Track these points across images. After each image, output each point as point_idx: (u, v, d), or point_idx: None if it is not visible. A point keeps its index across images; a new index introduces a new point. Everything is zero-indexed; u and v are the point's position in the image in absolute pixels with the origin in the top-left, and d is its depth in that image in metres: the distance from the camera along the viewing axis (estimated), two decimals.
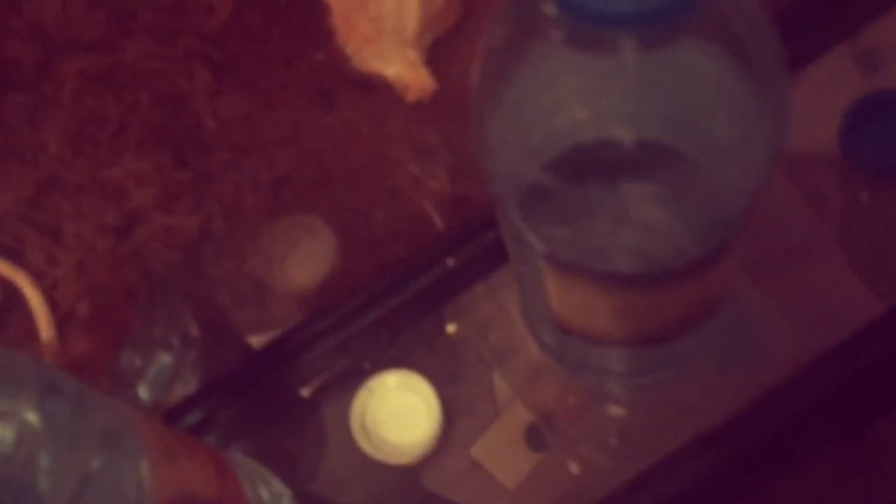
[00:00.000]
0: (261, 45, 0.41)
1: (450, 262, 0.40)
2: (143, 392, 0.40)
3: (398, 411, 0.39)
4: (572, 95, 0.24)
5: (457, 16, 0.40)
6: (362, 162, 0.39)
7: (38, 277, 0.38)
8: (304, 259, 0.41)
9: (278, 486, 0.37)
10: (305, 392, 0.40)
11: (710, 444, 0.37)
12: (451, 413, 0.38)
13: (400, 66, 0.40)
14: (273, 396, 0.40)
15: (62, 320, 0.38)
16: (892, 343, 0.37)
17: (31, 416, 0.23)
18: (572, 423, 0.39)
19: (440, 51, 0.40)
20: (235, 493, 0.32)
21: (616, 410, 0.40)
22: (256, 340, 0.40)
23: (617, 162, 0.24)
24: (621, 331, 0.31)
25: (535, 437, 0.39)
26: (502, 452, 0.39)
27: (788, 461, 0.37)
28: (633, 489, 0.37)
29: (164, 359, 0.40)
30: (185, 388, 0.40)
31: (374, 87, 0.40)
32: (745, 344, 0.38)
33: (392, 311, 0.40)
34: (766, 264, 0.39)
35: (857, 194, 0.39)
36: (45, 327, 0.37)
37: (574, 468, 0.38)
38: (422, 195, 0.39)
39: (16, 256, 0.38)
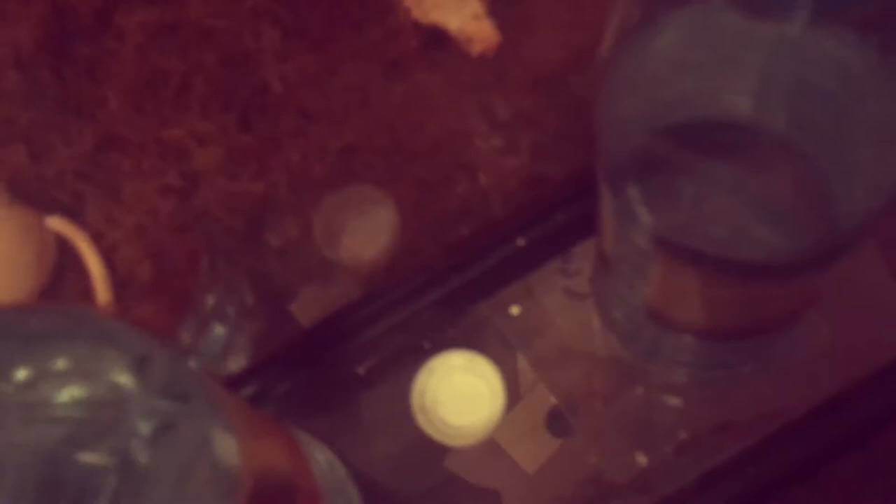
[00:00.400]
0: (331, 8, 0.40)
1: (520, 241, 0.39)
2: (195, 363, 0.39)
3: (460, 393, 0.38)
4: (711, 65, 0.22)
5: None
6: (435, 133, 0.38)
7: (96, 238, 0.36)
8: (368, 232, 0.40)
9: (333, 460, 0.36)
10: (362, 370, 0.39)
11: (746, 458, 0.36)
12: None
13: (463, 17, 0.38)
14: (329, 372, 0.39)
15: (120, 284, 0.36)
16: None
17: (126, 380, 0.22)
18: (596, 411, 0.38)
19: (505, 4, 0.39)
20: (304, 468, 0.31)
21: (672, 400, 0.39)
22: (314, 314, 0.39)
23: (743, 144, 0.23)
24: (714, 323, 0.30)
25: (557, 422, 0.38)
26: (523, 436, 0.38)
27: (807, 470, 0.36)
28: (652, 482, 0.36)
29: (219, 330, 0.39)
30: (239, 360, 0.39)
31: (442, 46, 0.38)
32: (793, 353, 0.37)
33: (456, 290, 0.39)
34: None
35: None
36: (102, 290, 0.36)
37: (594, 456, 0.37)
38: (496, 171, 0.37)
39: (74, 215, 0.37)
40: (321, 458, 0.35)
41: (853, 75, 0.21)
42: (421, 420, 0.37)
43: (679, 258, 0.26)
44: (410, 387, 0.38)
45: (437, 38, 0.39)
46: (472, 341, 0.39)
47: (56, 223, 0.36)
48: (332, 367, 0.39)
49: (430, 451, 0.38)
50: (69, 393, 0.22)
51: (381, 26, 0.39)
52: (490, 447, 0.38)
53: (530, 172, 0.37)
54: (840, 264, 0.26)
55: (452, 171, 0.37)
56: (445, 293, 0.39)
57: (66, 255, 0.37)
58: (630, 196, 0.25)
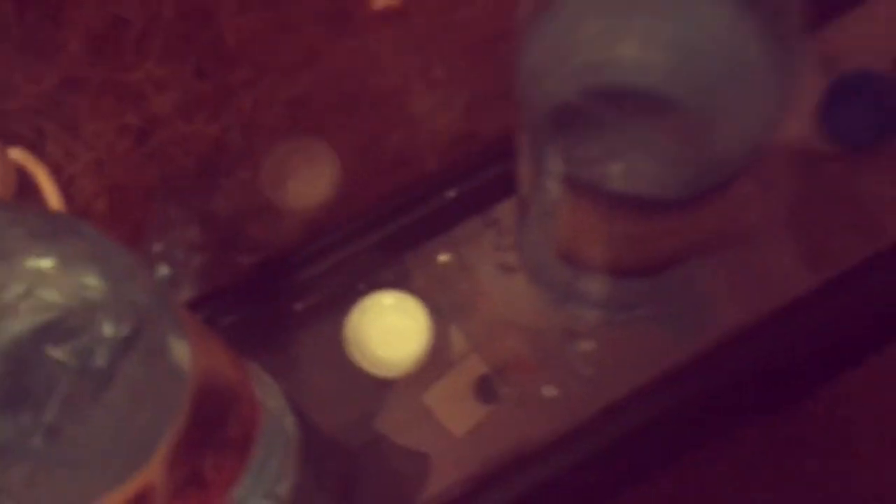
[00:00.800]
0: None
1: (450, 193, 0.43)
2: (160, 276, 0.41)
3: (390, 329, 0.41)
4: (604, 31, 0.26)
5: None
6: (377, 89, 0.41)
7: (55, 171, 0.39)
8: (311, 179, 0.43)
9: (273, 385, 0.39)
10: (300, 307, 0.42)
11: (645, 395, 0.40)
12: None
13: None
14: (269, 309, 0.42)
15: (77, 215, 0.39)
16: (823, 318, 0.41)
17: (98, 286, 0.25)
18: (523, 380, 0.42)
19: None
20: (247, 384, 0.34)
21: (585, 345, 0.43)
22: (258, 253, 0.42)
23: (641, 96, 0.27)
24: (616, 260, 0.34)
25: (486, 389, 0.42)
26: (453, 401, 0.41)
27: (716, 428, 0.40)
28: (572, 443, 0.40)
29: (163, 270, 0.42)
30: (184, 294, 0.41)
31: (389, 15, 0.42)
32: (689, 295, 0.42)
33: (389, 236, 0.42)
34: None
35: (824, 168, 0.43)
36: None
37: (519, 423, 0.40)
38: (432, 127, 0.41)
39: (35, 150, 0.39)
40: (263, 382, 0.38)
41: (723, 35, 0.25)
42: (354, 354, 0.41)
43: (584, 196, 0.30)
44: (344, 323, 0.41)
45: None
46: (403, 283, 0.42)
47: (17, 154, 0.39)
48: (272, 304, 0.42)
49: (362, 385, 0.41)
50: (45, 292, 0.25)
51: None
52: (421, 411, 0.41)
53: (463, 128, 0.41)
54: (719, 202, 0.31)
55: (391, 125, 0.41)
56: (379, 238, 0.42)
57: (25, 188, 0.39)
58: (543, 143, 0.29)
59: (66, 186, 0.39)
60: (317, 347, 0.42)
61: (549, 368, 0.41)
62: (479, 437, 0.40)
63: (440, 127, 0.41)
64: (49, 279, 0.25)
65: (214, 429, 0.29)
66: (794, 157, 0.43)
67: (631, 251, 0.33)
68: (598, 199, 0.29)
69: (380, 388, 0.41)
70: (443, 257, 0.43)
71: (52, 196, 0.38)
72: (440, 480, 0.39)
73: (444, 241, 0.43)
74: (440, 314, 0.41)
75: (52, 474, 0.24)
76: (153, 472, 0.26)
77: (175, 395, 0.27)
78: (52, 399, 0.24)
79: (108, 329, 0.25)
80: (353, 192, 0.42)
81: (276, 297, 0.42)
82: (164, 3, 0.42)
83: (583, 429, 0.39)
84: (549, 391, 0.41)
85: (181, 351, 0.28)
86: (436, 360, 0.41)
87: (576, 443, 0.40)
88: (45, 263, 0.25)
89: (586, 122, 0.28)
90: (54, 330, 0.25)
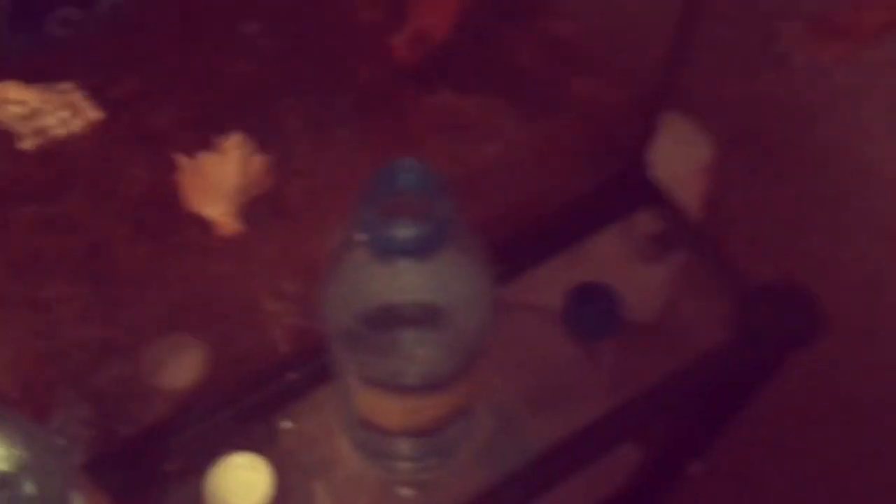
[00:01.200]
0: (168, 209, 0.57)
1: (290, 375, 0.56)
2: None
3: (241, 483, 0.53)
4: (373, 279, 0.41)
5: (268, 186, 0.58)
6: (237, 301, 0.55)
7: None
8: (182, 368, 0.56)
9: None
10: (170, 468, 0.54)
11: None
12: None
13: (215, 212, 0.57)
14: (145, 470, 0.54)
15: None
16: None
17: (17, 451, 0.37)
18: None
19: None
20: None
21: (406, 492, 0.56)
22: (136, 427, 0.54)
23: (401, 318, 0.42)
24: (404, 425, 0.48)
25: None
26: None
27: None
28: None
29: (61, 440, 0.53)
30: (77, 459, 0.53)
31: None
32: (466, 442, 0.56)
33: (242, 411, 0.55)
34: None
35: (573, 351, 0.59)
36: None
37: None
38: (278, 327, 0.55)
39: None
40: None
41: (446, 277, 0.41)
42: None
43: (372, 383, 0.44)
44: (205, 481, 0.53)
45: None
46: (254, 447, 0.55)
47: None
48: (147, 466, 0.54)
49: None
50: None
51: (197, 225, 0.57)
52: None
53: (301, 327, 0.55)
54: (465, 379, 0.46)
55: (247, 327, 0.55)
56: (234, 411, 0.55)
57: None
58: (341, 348, 0.44)
59: None
60: (184, 500, 0.53)
61: None
62: None
63: (285, 325, 0.55)
64: None
65: None
66: (538, 350, 0.59)
67: (415, 418, 0.47)
68: (382, 387, 0.44)
69: None
70: (286, 424, 0.56)
71: None
72: None
73: (287, 414, 0.56)
74: (305, 471, 0.53)
75: None
76: None
77: None
78: None
79: (28, 487, 0.37)
80: (216, 376, 0.55)
81: (150, 460, 0.54)
82: (76, 237, 0.55)
83: None
84: None
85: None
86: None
87: None
88: None
89: (365, 342, 0.43)
90: None
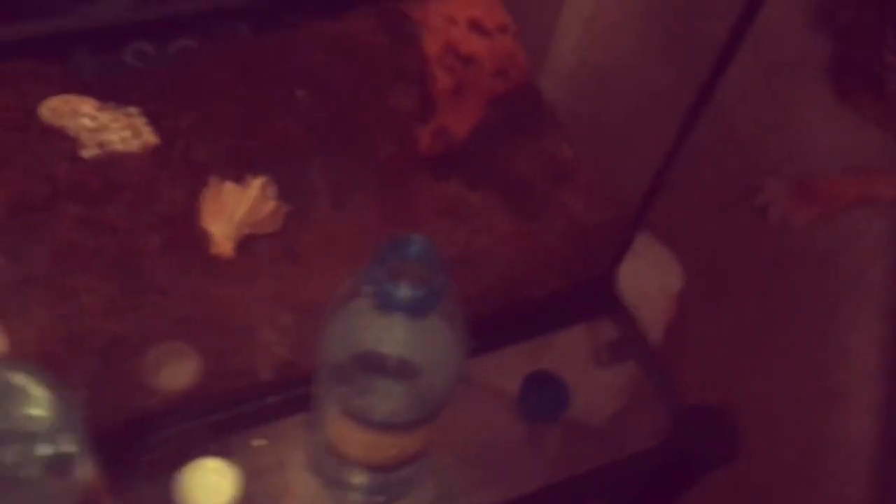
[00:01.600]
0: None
1: (270, 399, 0.63)
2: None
3: (209, 485, 0.60)
4: (370, 327, 0.49)
5: (275, 229, 0.67)
6: (236, 323, 0.63)
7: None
8: (175, 373, 0.63)
9: None
10: (147, 459, 0.60)
11: None
12: None
13: (218, 231, 0.65)
14: (128, 458, 0.60)
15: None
16: None
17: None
18: None
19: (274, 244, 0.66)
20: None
21: None
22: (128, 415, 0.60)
23: (384, 365, 0.50)
24: (369, 458, 0.56)
25: None
26: None
27: None
28: None
29: None
30: None
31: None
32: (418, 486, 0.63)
33: (221, 422, 0.62)
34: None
35: (528, 433, 0.67)
36: None
37: None
38: (266, 355, 0.63)
39: None
40: None
41: (430, 337, 0.49)
42: (183, 499, 0.59)
43: (346, 416, 0.52)
44: (177, 478, 0.59)
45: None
46: (226, 454, 0.61)
47: None
48: (131, 455, 0.60)
49: None
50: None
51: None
52: None
53: (288, 358, 0.62)
54: (426, 427, 0.53)
55: (241, 348, 0.62)
56: (214, 420, 0.62)
57: None
58: (327, 379, 0.51)
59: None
60: (157, 493, 0.59)
61: None
62: None
63: (274, 356, 0.63)
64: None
65: None
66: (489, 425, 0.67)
67: (379, 453, 0.55)
68: (356, 420, 0.51)
69: None
70: (256, 441, 0.63)
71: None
72: None
73: (261, 433, 0.63)
74: (257, 486, 0.59)
75: None
76: None
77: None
78: None
79: (44, 448, 0.44)
80: (204, 386, 0.62)
81: (129, 451, 0.60)
82: (112, 240, 0.63)
83: None
84: None
85: (85, 468, 0.46)
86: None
87: None
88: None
89: (350, 377, 0.51)
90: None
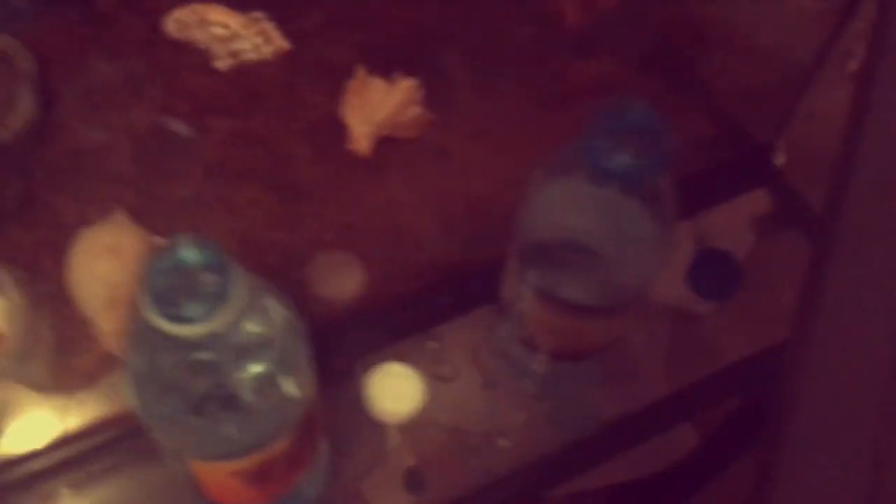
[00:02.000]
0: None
1: (441, 300, 0.62)
2: None
3: (397, 390, 0.59)
4: (573, 206, 0.47)
5: (416, 133, 0.63)
6: (399, 226, 0.61)
7: None
8: (346, 279, 0.61)
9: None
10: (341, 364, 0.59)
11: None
12: (341, 449, 0.54)
13: (357, 127, 0.62)
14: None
15: None
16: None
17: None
18: (448, 474, 0.55)
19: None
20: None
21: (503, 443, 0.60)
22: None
23: (586, 245, 0.48)
24: (559, 344, 0.54)
25: (414, 479, 0.55)
26: (384, 490, 0.52)
27: None
28: None
29: None
30: None
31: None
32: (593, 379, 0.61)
33: (395, 326, 0.61)
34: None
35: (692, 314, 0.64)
36: None
37: None
38: (433, 255, 0.61)
39: None
40: None
41: (631, 217, 0.46)
42: (372, 404, 0.58)
43: (544, 300, 0.50)
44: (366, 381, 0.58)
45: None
46: (403, 357, 0.59)
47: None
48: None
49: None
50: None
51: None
52: (356, 497, 0.52)
53: (460, 259, 0.60)
54: (624, 314, 0.51)
55: (409, 250, 0.60)
56: (388, 325, 0.60)
57: None
58: (525, 266, 0.49)
59: None
60: (343, 401, 0.58)
61: (472, 463, 0.56)
62: None
63: (442, 253, 0.61)
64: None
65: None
66: (669, 312, 0.64)
67: (571, 340, 0.53)
68: (553, 302, 0.49)
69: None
70: (431, 344, 0.61)
71: None
72: None
73: (435, 333, 0.61)
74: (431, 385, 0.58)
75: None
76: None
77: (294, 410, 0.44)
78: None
79: (270, 355, 0.42)
80: (375, 290, 0.60)
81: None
82: (263, 151, 0.61)
83: None
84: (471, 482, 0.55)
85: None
86: (372, 450, 0.55)
87: None
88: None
89: (550, 257, 0.48)
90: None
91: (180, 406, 0.40)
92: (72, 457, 0.55)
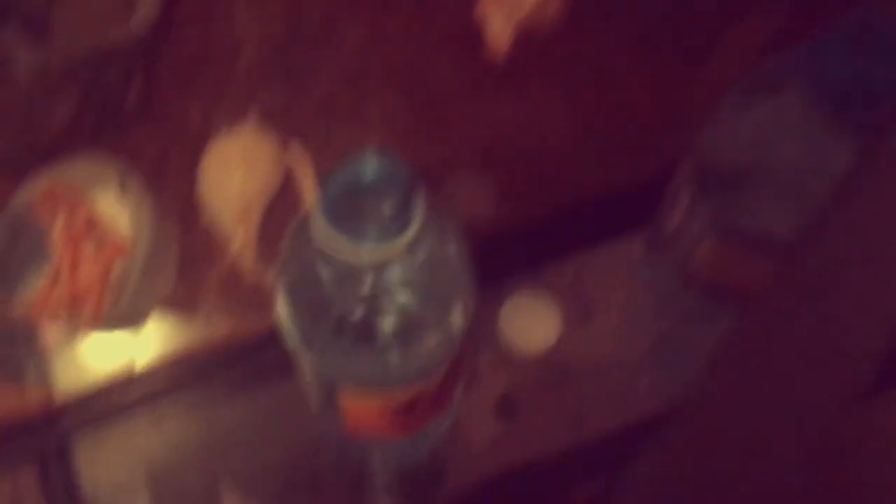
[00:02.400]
0: None
1: (583, 226, 0.57)
2: None
3: (532, 321, 0.55)
4: (775, 131, 0.41)
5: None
6: (537, 144, 0.56)
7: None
8: (479, 203, 0.57)
9: None
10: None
11: None
12: None
13: (496, 24, 0.57)
14: None
15: None
16: None
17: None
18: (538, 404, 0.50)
19: None
20: None
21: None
22: None
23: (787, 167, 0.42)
24: (723, 281, 0.48)
25: (507, 406, 0.51)
26: (477, 414, 0.50)
27: None
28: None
29: None
30: None
31: None
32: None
33: (535, 252, 0.56)
34: None
35: None
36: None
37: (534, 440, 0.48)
38: (583, 177, 0.56)
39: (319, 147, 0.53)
40: None
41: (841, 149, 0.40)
42: (505, 332, 0.54)
43: (724, 234, 0.45)
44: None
45: None
46: (540, 288, 0.55)
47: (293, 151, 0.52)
48: None
49: None
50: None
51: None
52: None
53: (606, 182, 0.56)
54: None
55: (550, 169, 0.56)
56: (527, 251, 0.56)
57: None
58: (702, 194, 0.44)
59: None
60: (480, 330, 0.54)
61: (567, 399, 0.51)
62: (496, 452, 0.48)
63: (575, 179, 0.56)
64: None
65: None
66: None
67: (735, 276, 0.48)
68: (732, 234, 0.44)
69: None
70: (566, 277, 0.57)
71: (309, 192, 0.52)
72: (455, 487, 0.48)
73: (573, 262, 0.57)
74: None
75: None
76: None
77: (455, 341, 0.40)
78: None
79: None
80: (516, 214, 0.56)
81: None
82: (400, 56, 0.56)
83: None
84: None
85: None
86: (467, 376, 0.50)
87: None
88: None
89: (731, 182, 0.43)
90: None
91: (341, 332, 0.37)
92: (190, 374, 0.53)
